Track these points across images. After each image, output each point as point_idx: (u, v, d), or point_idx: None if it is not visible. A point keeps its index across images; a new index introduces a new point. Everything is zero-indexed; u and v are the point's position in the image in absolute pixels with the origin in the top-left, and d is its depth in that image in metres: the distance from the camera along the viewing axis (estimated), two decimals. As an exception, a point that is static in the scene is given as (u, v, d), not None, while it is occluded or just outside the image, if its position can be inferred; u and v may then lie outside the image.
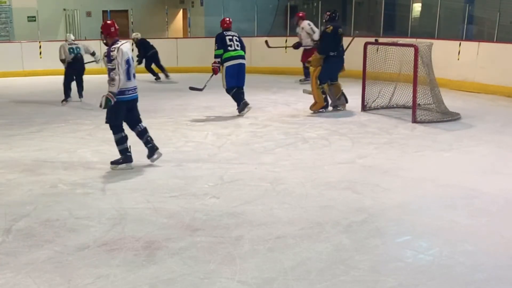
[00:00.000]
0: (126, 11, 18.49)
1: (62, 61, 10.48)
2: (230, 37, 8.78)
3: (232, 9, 17.03)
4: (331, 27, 8.95)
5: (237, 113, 8.91)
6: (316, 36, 12.35)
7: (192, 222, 4.47)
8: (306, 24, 12.51)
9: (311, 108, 9.07)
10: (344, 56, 9.16)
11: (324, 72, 8.91)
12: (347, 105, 9.31)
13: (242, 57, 8.80)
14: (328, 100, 9.08)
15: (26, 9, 16.98)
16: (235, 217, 4.57)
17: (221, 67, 8.74)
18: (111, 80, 5.69)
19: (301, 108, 9.46)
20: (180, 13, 20.90)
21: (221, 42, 8.68)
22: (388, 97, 9.42)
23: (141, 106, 10.21)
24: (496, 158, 6.41)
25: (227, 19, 9.09)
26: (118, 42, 5.80)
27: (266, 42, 13.09)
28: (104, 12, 18.15)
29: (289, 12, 16.83)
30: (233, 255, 3.85)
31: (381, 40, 10.12)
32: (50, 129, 8.15)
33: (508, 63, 10.56)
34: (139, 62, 13.10)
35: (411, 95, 8.30)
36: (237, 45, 8.76)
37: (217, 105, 9.37)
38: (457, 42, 11.79)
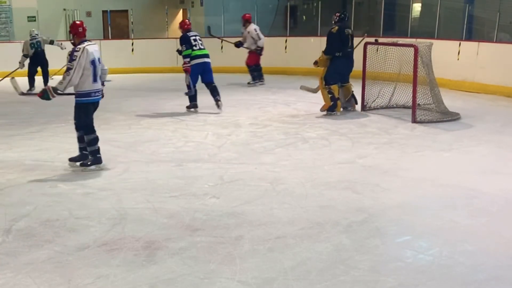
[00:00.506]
0: (126, 11, 18.45)
1: (25, 56, 11.74)
2: (194, 37, 9.14)
3: (232, 9, 17.02)
4: (336, 27, 8.86)
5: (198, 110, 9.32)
6: (261, 43, 12.18)
7: (192, 222, 4.47)
8: (252, 29, 12.19)
9: (321, 109, 9.02)
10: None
11: (331, 72, 8.83)
12: (356, 106, 9.28)
13: (207, 56, 9.19)
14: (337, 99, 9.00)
15: (26, 9, 16.94)
16: (235, 217, 4.57)
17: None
18: (62, 78, 5.75)
19: (301, 108, 9.46)
20: (180, 13, 20.87)
21: (187, 43, 9.04)
22: (388, 97, 9.42)
23: (141, 106, 10.16)
24: (496, 158, 6.41)
25: (187, 20, 9.57)
26: (84, 42, 5.85)
27: (208, 28, 12.96)
28: (104, 12, 18.12)
29: (289, 12, 16.82)
30: (233, 255, 3.85)
31: (381, 40, 10.11)
32: (50, 129, 8.15)
33: (508, 63, 10.56)
34: None
35: (411, 95, 8.30)
36: (201, 44, 9.15)
37: (217, 105, 9.36)
38: (457, 42, 11.79)
